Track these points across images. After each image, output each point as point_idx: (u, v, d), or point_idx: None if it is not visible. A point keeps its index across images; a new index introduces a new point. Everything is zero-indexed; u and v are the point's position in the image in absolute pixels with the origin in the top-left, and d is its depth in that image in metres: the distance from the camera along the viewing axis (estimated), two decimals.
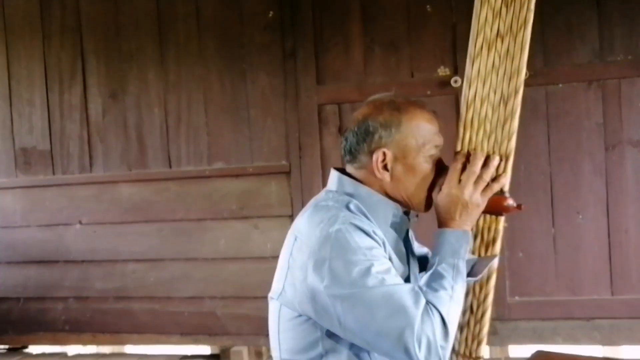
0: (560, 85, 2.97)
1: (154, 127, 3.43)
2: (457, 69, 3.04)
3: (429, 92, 3.03)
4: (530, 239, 3.00)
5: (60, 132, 3.57)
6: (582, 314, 2.97)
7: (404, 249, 1.38)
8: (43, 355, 3.70)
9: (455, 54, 3.05)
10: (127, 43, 3.44)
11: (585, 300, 2.96)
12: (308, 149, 3.21)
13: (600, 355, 2.91)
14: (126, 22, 3.44)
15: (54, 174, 3.58)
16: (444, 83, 3.05)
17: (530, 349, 2.77)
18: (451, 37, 3.06)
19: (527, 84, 2.92)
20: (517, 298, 3.02)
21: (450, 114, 2.96)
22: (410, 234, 1.46)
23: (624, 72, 2.91)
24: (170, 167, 3.41)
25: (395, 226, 1.36)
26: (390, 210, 1.35)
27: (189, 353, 3.54)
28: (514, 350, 3.11)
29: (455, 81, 3.02)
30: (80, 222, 3.54)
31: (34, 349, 3.78)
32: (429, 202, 1.36)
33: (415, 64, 3.12)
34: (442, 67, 3.08)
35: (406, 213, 1.39)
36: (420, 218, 1.45)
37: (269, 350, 3.36)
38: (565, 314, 2.98)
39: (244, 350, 3.31)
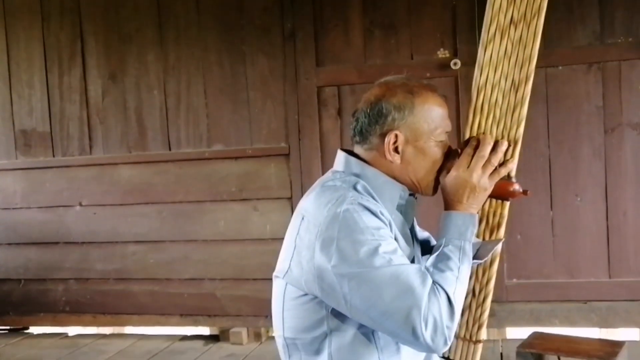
0: (560, 67, 2.96)
1: (153, 109, 3.43)
2: (457, 52, 3.03)
3: (428, 75, 3.03)
4: (528, 221, 3.00)
5: (60, 114, 3.57)
6: (579, 297, 2.98)
7: (409, 231, 1.38)
8: (44, 335, 3.73)
9: (455, 36, 3.04)
10: (127, 25, 3.44)
11: (582, 282, 2.98)
12: (307, 131, 3.21)
13: (596, 337, 2.92)
14: (125, 3, 3.43)
15: (53, 155, 3.59)
16: (444, 65, 3.04)
17: (527, 331, 2.79)
18: (451, 20, 3.04)
19: None
20: (514, 280, 3.03)
21: (449, 96, 2.96)
22: (414, 219, 1.46)
23: (624, 55, 2.90)
24: (170, 149, 3.41)
25: (401, 208, 1.36)
26: (396, 192, 1.34)
27: (189, 334, 3.56)
28: (511, 332, 3.13)
29: (455, 63, 3.01)
30: (80, 204, 3.55)
31: (35, 330, 3.82)
32: (436, 186, 1.36)
33: (414, 46, 3.11)
34: (441, 49, 3.07)
35: (411, 195, 1.39)
36: (420, 201, 1.45)
37: (267, 331, 3.38)
38: (562, 297, 3.00)
39: (243, 331, 3.34)
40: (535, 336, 2.66)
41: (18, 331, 3.81)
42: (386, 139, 1.31)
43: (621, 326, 2.98)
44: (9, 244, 3.69)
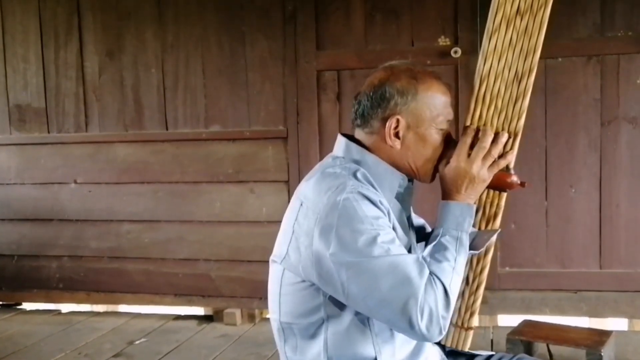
0: (560, 59, 2.97)
1: (150, 88, 3.40)
2: (458, 40, 3.03)
3: (428, 62, 3.02)
4: (523, 211, 3.03)
5: (55, 90, 3.54)
6: (570, 286, 3.03)
7: (406, 219, 1.39)
8: (37, 312, 3.74)
9: (457, 24, 3.03)
10: (125, 1, 3.39)
11: (573, 272, 3.02)
12: (306, 114, 3.21)
13: (586, 326, 2.98)
14: None
15: (48, 132, 3.56)
16: (444, 53, 3.03)
17: (518, 319, 2.84)
18: (453, 7, 3.03)
19: None
20: (507, 269, 3.07)
21: (449, 84, 2.95)
22: (410, 208, 1.48)
23: (623, 48, 2.91)
24: (167, 128, 3.39)
25: (399, 197, 1.36)
26: (396, 180, 1.35)
27: (183, 313, 3.58)
28: (502, 319, 3.18)
29: (455, 51, 3.01)
30: (75, 182, 3.54)
31: (27, 306, 3.82)
32: (434, 174, 1.37)
33: (415, 32, 3.10)
34: (442, 37, 3.06)
35: (409, 182, 1.40)
36: (417, 188, 1.46)
37: (261, 312, 3.41)
38: (553, 286, 3.04)
39: (237, 312, 3.36)
40: (526, 324, 2.71)
41: (11, 307, 3.81)
42: (387, 123, 1.31)
43: (610, 316, 3.03)
44: (3, 219, 3.67)
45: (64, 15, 3.48)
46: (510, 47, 1.39)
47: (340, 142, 1.39)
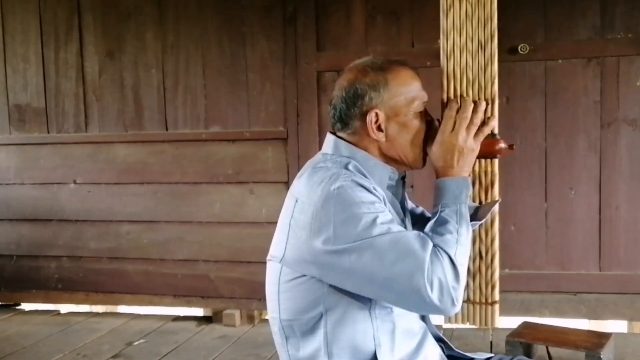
0: (560, 61, 2.97)
1: (151, 88, 3.41)
2: None
3: (428, 63, 3.00)
4: (522, 212, 3.03)
5: (55, 90, 3.54)
6: (570, 288, 3.02)
7: (401, 210, 1.41)
8: (35, 312, 3.74)
9: None
10: (125, 1, 3.40)
11: (573, 274, 3.02)
12: (306, 115, 3.21)
13: (585, 328, 2.97)
14: None
15: (48, 132, 3.56)
16: None
17: (517, 321, 2.84)
18: None
19: (527, 58, 2.95)
20: (507, 271, 3.06)
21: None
22: (406, 196, 1.49)
23: (623, 50, 2.91)
24: (167, 129, 3.39)
25: (391, 189, 1.38)
26: (386, 174, 1.36)
27: (182, 314, 3.58)
28: (502, 321, 3.17)
29: None
30: (74, 182, 3.54)
31: (26, 306, 3.82)
32: (424, 157, 1.39)
33: (416, 34, 3.10)
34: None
35: (402, 178, 1.42)
36: (415, 187, 1.47)
37: (260, 313, 3.41)
38: (553, 288, 3.04)
39: (236, 313, 3.36)
40: (525, 326, 2.71)
41: (9, 307, 3.80)
42: (367, 119, 1.32)
43: (609, 318, 3.03)
44: (2, 219, 3.67)
45: (64, 15, 3.48)
46: (468, 19, 1.42)
47: (329, 140, 1.40)
